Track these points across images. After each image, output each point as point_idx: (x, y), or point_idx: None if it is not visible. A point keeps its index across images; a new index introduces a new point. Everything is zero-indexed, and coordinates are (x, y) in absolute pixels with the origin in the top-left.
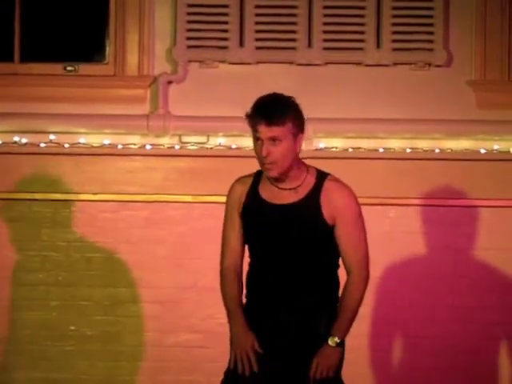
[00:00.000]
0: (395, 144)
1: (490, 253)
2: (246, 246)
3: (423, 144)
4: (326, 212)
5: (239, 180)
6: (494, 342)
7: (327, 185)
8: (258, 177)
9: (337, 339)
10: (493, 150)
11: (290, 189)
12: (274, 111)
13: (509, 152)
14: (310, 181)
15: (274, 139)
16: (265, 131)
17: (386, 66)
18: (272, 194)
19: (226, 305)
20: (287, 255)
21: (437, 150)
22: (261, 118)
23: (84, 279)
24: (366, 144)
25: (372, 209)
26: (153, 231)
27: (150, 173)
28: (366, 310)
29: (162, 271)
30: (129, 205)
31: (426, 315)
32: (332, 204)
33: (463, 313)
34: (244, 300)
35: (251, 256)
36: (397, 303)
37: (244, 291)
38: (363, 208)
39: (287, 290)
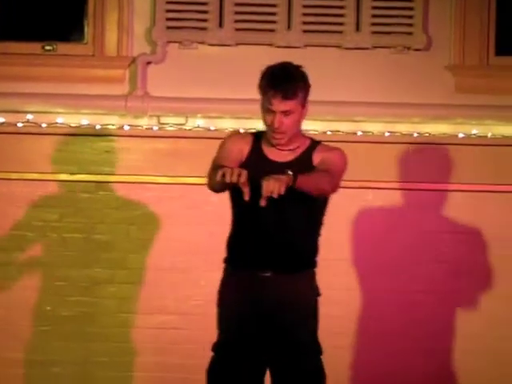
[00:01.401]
0: (374, 127)
1: (466, 237)
2: (231, 206)
3: (402, 128)
4: (316, 163)
5: (239, 133)
6: (472, 326)
7: (320, 146)
8: (258, 136)
9: (291, 173)
10: (471, 135)
11: (289, 150)
12: (287, 86)
13: (487, 137)
14: (306, 143)
15: (286, 112)
16: (279, 105)
17: (365, 49)
18: (273, 153)
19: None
20: (277, 212)
21: (415, 134)
22: (275, 92)
23: (60, 259)
24: (344, 127)
25: (350, 192)
26: (130, 212)
27: (127, 154)
28: (342, 294)
29: (138, 252)
30: (106, 185)
31: (403, 299)
32: (322, 155)
33: (440, 297)
34: (224, 264)
35: (237, 215)
36: (374, 286)
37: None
38: (340, 191)
39: (271, 249)
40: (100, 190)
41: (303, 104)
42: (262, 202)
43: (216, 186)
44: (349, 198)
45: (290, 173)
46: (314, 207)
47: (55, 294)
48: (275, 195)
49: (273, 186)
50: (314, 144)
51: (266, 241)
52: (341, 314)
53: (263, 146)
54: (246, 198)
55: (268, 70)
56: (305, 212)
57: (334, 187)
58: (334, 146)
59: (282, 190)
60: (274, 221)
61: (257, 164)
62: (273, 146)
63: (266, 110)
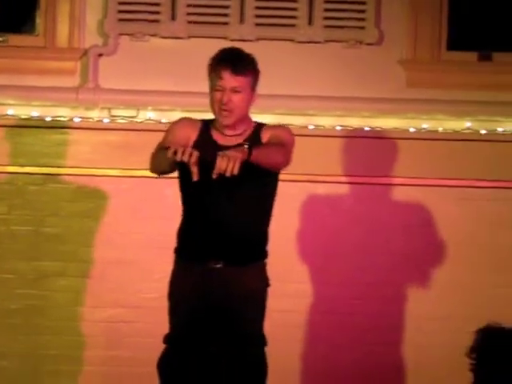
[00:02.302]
0: (325, 121)
1: (417, 230)
2: (181, 193)
3: (353, 122)
4: (265, 141)
5: (188, 118)
6: (427, 320)
7: (266, 126)
8: (207, 123)
9: (247, 146)
10: (421, 129)
11: (237, 134)
12: (239, 62)
13: (437, 131)
14: (252, 125)
15: (235, 89)
16: (229, 80)
17: (318, 43)
18: (222, 138)
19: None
20: (227, 198)
21: (366, 128)
22: (226, 66)
23: (9, 252)
24: (296, 121)
25: (301, 185)
26: (80, 205)
27: (78, 146)
28: (295, 287)
29: (88, 245)
30: (57, 178)
31: (356, 292)
32: (270, 133)
33: (393, 290)
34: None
35: (187, 203)
36: (326, 279)
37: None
38: (292, 184)
39: (222, 238)
40: (50, 182)
41: (252, 87)
42: (214, 175)
43: (162, 166)
44: (300, 191)
45: (246, 146)
46: (264, 195)
47: (3, 287)
48: (228, 174)
49: (226, 165)
50: (260, 125)
51: (217, 230)
52: (292, 308)
53: (212, 132)
54: (195, 178)
55: (219, 52)
56: (255, 200)
57: (288, 160)
58: None
59: (236, 170)
60: (224, 209)
61: (205, 148)
62: (221, 132)
63: (215, 88)
